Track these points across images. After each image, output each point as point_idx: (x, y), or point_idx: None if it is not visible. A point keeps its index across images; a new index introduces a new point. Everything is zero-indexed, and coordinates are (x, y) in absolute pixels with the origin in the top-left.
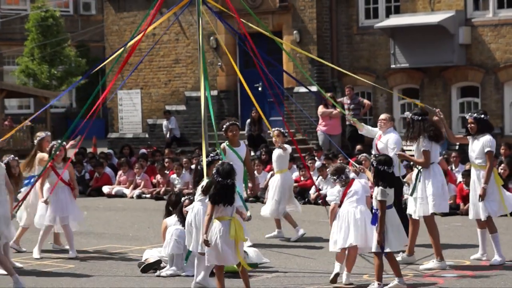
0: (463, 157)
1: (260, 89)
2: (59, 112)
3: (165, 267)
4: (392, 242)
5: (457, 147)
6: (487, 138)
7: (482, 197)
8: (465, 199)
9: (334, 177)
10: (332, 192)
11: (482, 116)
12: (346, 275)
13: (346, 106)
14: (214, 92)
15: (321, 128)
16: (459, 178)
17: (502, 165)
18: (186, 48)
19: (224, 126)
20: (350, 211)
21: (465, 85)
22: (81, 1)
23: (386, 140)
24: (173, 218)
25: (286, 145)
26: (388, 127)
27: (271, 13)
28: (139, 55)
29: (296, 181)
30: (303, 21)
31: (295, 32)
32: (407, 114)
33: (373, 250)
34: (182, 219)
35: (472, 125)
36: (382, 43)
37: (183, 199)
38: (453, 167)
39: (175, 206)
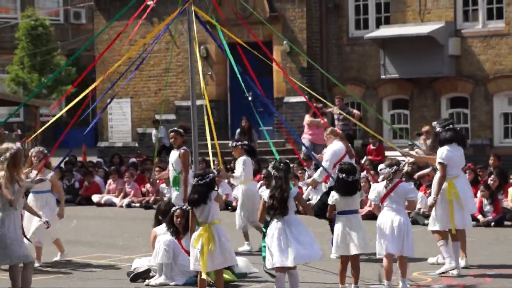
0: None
1: (250, 98)
2: (48, 120)
3: (154, 276)
4: (340, 248)
5: None
6: (440, 150)
7: (430, 208)
8: None
9: (387, 169)
10: (373, 189)
11: (446, 127)
12: (403, 281)
13: (335, 116)
14: (203, 102)
15: (306, 136)
16: None
17: (492, 176)
18: (176, 57)
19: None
20: (389, 217)
21: (454, 96)
22: (71, 10)
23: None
24: (163, 227)
25: (243, 157)
26: (331, 141)
27: (261, 23)
28: (129, 64)
29: None
30: (293, 31)
31: (285, 42)
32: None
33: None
34: (171, 228)
35: (435, 137)
36: (372, 53)
37: (173, 208)
38: None
39: (165, 215)
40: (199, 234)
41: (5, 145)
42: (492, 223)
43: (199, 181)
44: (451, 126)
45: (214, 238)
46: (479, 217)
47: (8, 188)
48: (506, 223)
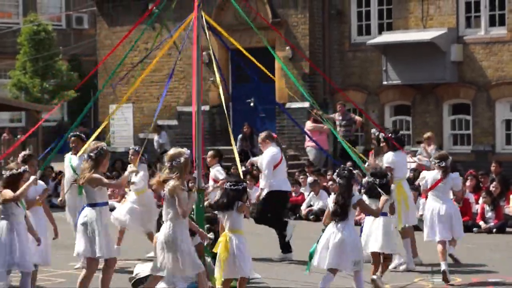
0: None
1: (252, 104)
2: (51, 125)
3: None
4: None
5: None
6: (387, 155)
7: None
8: None
9: (443, 162)
10: (422, 177)
11: (390, 135)
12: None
13: (337, 123)
14: (206, 107)
15: (309, 144)
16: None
17: (494, 182)
18: (178, 62)
19: None
20: (436, 206)
21: (457, 102)
22: (73, 15)
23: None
24: None
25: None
26: (267, 146)
27: (264, 29)
28: (132, 69)
29: None
30: (296, 37)
31: (287, 48)
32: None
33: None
34: None
35: (384, 143)
36: (374, 59)
37: None
38: None
39: None
40: (219, 241)
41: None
42: (494, 230)
43: (232, 187)
44: (399, 134)
45: (229, 247)
46: (481, 223)
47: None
48: (508, 229)
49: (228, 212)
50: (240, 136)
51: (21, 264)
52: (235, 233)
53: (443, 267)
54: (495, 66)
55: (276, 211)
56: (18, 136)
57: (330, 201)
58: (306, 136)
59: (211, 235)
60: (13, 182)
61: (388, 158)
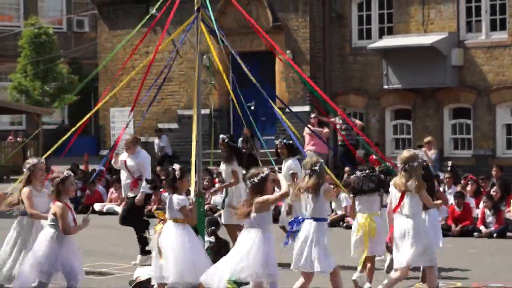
0: (456, 178)
1: (252, 108)
2: (51, 128)
3: (154, 286)
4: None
5: (449, 169)
6: (290, 162)
7: (288, 212)
8: (457, 220)
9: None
10: None
11: (290, 141)
12: None
13: (338, 127)
14: (207, 111)
15: (309, 147)
16: (451, 199)
17: (494, 187)
18: (179, 66)
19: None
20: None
21: (457, 107)
22: (74, 19)
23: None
24: None
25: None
26: (134, 149)
27: (264, 32)
28: (135, 74)
29: None
30: (296, 41)
31: (288, 52)
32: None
33: None
34: None
35: (282, 150)
36: (375, 63)
37: None
38: (446, 189)
39: None
40: (361, 223)
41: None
42: (495, 234)
43: (373, 173)
44: (291, 141)
45: (375, 227)
46: (482, 228)
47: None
48: (508, 234)
49: (368, 196)
50: (240, 139)
51: (68, 274)
52: (374, 215)
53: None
54: (496, 70)
55: (140, 211)
56: (18, 139)
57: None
58: (306, 140)
59: (212, 238)
60: (60, 188)
61: (294, 164)
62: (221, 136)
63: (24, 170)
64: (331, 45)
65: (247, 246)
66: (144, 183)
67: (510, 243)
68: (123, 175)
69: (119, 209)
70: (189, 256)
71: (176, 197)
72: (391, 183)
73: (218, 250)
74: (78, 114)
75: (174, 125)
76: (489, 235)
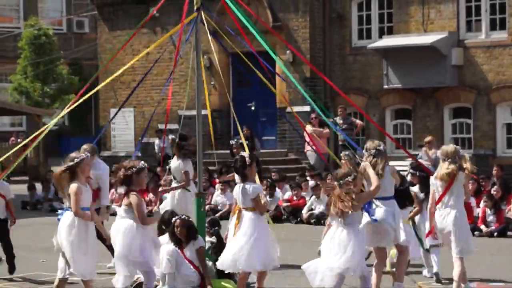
0: None
1: (253, 108)
2: (51, 129)
3: (157, 286)
4: None
5: None
6: (179, 162)
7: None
8: None
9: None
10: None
11: (240, 141)
12: None
13: (338, 126)
14: (207, 112)
15: (310, 148)
16: None
17: (495, 186)
18: (179, 67)
19: None
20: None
21: (457, 106)
22: (74, 19)
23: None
24: (166, 237)
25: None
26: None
27: (264, 33)
28: (132, 74)
29: (288, 201)
30: (296, 41)
31: (288, 52)
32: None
33: None
34: (174, 238)
35: (237, 150)
36: (375, 63)
37: (173, 219)
38: None
39: (168, 224)
40: None
41: None
42: (495, 234)
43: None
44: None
45: None
46: (482, 227)
47: None
48: (509, 233)
49: None
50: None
51: (143, 264)
52: None
53: None
54: (496, 70)
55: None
56: (19, 140)
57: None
58: (306, 141)
59: (213, 239)
60: (135, 178)
61: (186, 165)
62: (170, 136)
63: (70, 163)
64: (331, 45)
65: (347, 243)
66: (104, 199)
67: (510, 242)
68: None
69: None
70: (267, 244)
71: (250, 185)
72: (433, 177)
73: (219, 251)
74: (78, 115)
75: (175, 126)
76: (490, 234)
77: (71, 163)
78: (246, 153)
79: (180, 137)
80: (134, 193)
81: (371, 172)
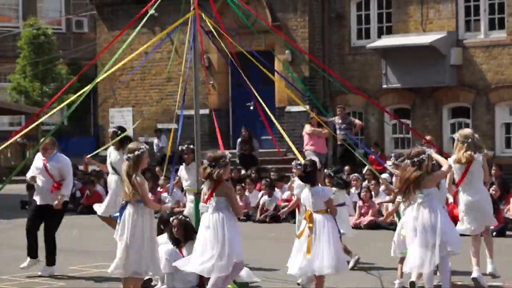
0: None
1: (251, 108)
2: (50, 129)
3: (155, 285)
4: None
5: None
6: (194, 165)
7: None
8: (456, 218)
9: None
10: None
11: (191, 146)
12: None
13: (337, 126)
14: (206, 111)
15: (308, 147)
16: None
17: (494, 186)
18: (178, 66)
19: None
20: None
21: (456, 106)
22: (73, 19)
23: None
24: (164, 237)
25: None
26: (49, 154)
27: (263, 32)
28: (132, 73)
29: (287, 200)
30: (295, 41)
31: (287, 51)
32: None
33: None
34: (172, 237)
35: (187, 155)
36: (374, 63)
37: (171, 219)
38: None
39: (166, 224)
40: None
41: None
42: (494, 233)
43: None
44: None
45: None
46: None
47: None
48: (508, 233)
49: None
50: (239, 140)
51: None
52: None
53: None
54: (495, 69)
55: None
56: (18, 140)
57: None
58: (305, 140)
59: None
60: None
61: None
62: (110, 129)
63: (129, 156)
64: (330, 45)
65: (435, 221)
66: (65, 189)
67: (509, 242)
68: (40, 180)
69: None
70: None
71: (322, 189)
72: (451, 160)
73: None
74: (77, 115)
75: (173, 125)
76: None
77: (132, 155)
78: (315, 158)
79: (120, 129)
80: (228, 184)
81: (437, 156)
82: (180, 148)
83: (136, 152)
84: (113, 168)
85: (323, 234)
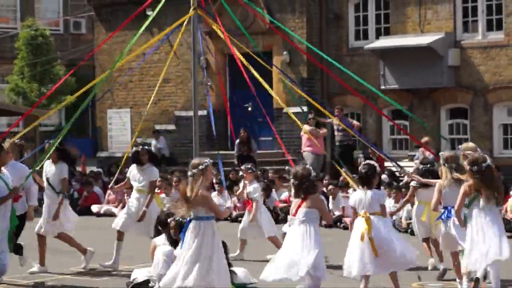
0: None
1: (250, 109)
2: (48, 130)
3: (153, 287)
4: None
5: None
6: (151, 169)
7: (140, 218)
8: None
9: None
10: None
11: (147, 147)
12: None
13: (335, 127)
14: (204, 112)
15: (306, 148)
16: None
17: None
18: (176, 67)
19: None
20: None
21: (454, 107)
22: (71, 20)
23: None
24: (162, 238)
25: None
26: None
27: (261, 33)
28: (130, 74)
29: (285, 201)
30: (293, 42)
31: (285, 53)
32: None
33: None
34: (171, 239)
35: (143, 156)
36: (372, 64)
37: (169, 220)
38: None
39: (165, 225)
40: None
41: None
42: None
43: None
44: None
45: None
46: None
47: None
48: (506, 234)
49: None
50: (237, 141)
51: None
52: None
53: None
54: (493, 70)
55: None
56: (16, 141)
57: None
58: (303, 141)
59: None
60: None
61: (155, 172)
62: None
63: (194, 171)
64: (328, 46)
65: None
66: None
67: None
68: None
69: (116, 210)
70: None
71: (377, 192)
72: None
73: None
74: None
75: (171, 127)
76: None
77: (196, 170)
78: (374, 161)
79: (144, 145)
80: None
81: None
82: (134, 149)
83: (201, 167)
84: (49, 181)
85: (388, 234)
